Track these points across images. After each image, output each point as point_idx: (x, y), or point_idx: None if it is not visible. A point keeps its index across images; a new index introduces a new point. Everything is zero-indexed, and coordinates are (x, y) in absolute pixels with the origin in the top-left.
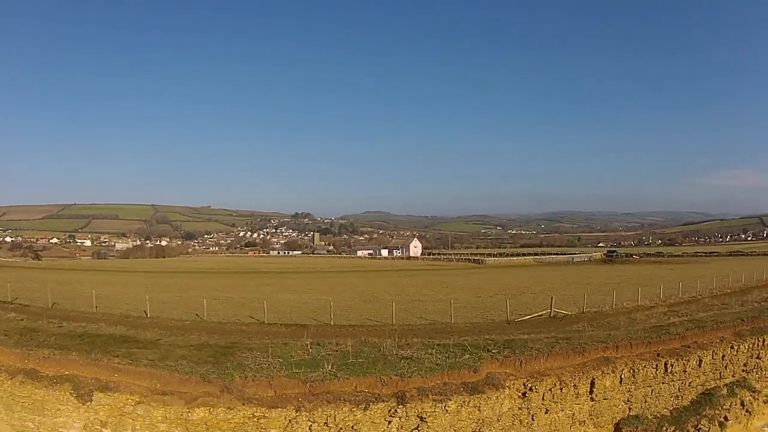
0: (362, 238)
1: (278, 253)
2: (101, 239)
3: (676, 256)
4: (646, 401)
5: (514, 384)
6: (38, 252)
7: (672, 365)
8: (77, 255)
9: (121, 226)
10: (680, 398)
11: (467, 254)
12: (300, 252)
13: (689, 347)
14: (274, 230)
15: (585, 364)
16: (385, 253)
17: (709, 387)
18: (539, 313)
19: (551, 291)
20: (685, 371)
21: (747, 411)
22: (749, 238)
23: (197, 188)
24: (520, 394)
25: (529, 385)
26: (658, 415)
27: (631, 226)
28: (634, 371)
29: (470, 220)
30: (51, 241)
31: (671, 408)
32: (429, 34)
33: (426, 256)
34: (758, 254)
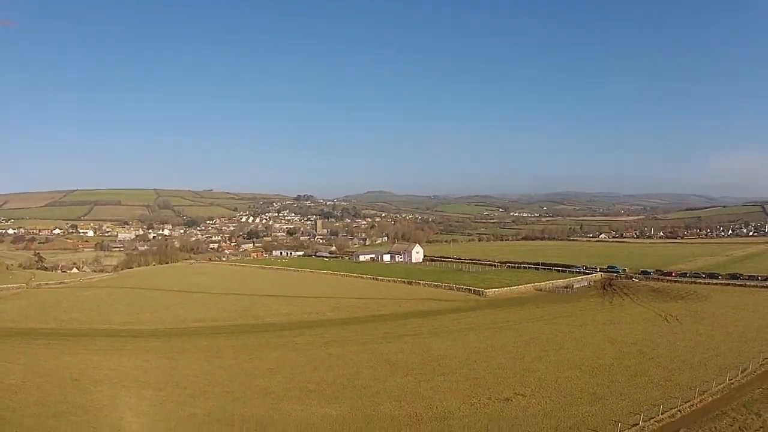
0: (364, 222)
1: (281, 253)
2: (104, 228)
3: (674, 281)
4: None
5: None
6: (40, 251)
7: None
8: (80, 247)
9: (123, 212)
10: None
11: (469, 286)
12: (302, 253)
13: None
14: (276, 214)
15: None
16: (387, 258)
17: None
18: None
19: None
20: None
21: None
22: (751, 233)
23: (199, 171)
24: None
25: None
26: None
27: (633, 209)
28: None
29: (472, 201)
30: (53, 231)
31: None
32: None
33: (428, 263)
34: (758, 284)
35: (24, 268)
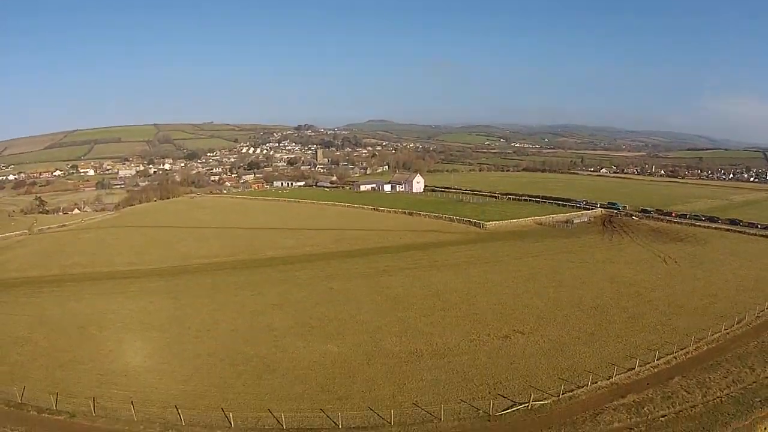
0: (365, 151)
1: (282, 184)
2: (104, 166)
3: (673, 222)
4: None
5: None
6: (41, 195)
7: None
8: (81, 187)
9: (124, 149)
10: None
11: (469, 218)
12: (303, 183)
13: None
14: (277, 145)
15: None
16: (388, 188)
17: None
18: None
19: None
20: None
21: None
22: (752, 179)
23: (199, 104)
24: None
25: None
26: None
27: (634, 145)
28: None
29: (474, 131)
30: (54, 174)
31: None
32: None
33: (429, 193)
34: (757, 233)
35: (25, 213)
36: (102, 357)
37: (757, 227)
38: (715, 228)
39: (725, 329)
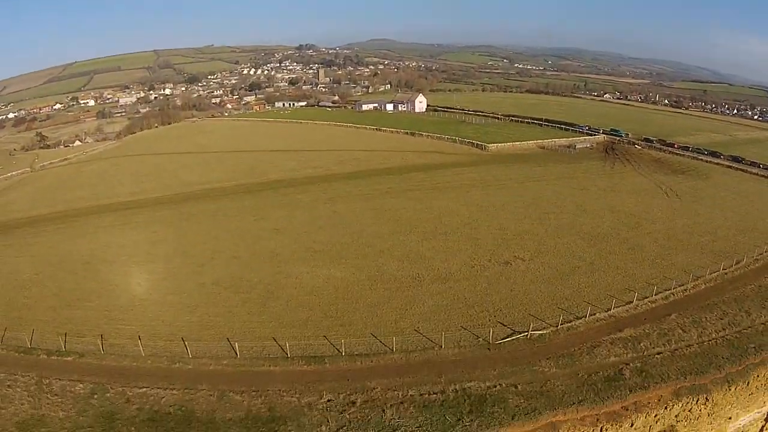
0: (367, 70)
1: (283, 105)
2: (104, 95)
3: (676, 153)
4: None
5: None
6: (42, 130)
7: (607, 429)
8: (81, 118)
9: (124, 77)
10: None
11: (471, 139)
12: (305, 103)
13: (627, 409)
14: (278, 65)
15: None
16: (390, 107)
17: None
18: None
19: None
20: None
21: None
22: (756, 117)
23: (199, 28)
24: None
25: None
26: None
27: (638, 72)
28: None
29: (477, 51)
30: (54, 107)
31: None
32: None
33: (431, 113)
34: (759, 172)
35: (27, 150)
36: (108, 293)
37: (759, 167)
38: (717, 164)
39: (723, 269)
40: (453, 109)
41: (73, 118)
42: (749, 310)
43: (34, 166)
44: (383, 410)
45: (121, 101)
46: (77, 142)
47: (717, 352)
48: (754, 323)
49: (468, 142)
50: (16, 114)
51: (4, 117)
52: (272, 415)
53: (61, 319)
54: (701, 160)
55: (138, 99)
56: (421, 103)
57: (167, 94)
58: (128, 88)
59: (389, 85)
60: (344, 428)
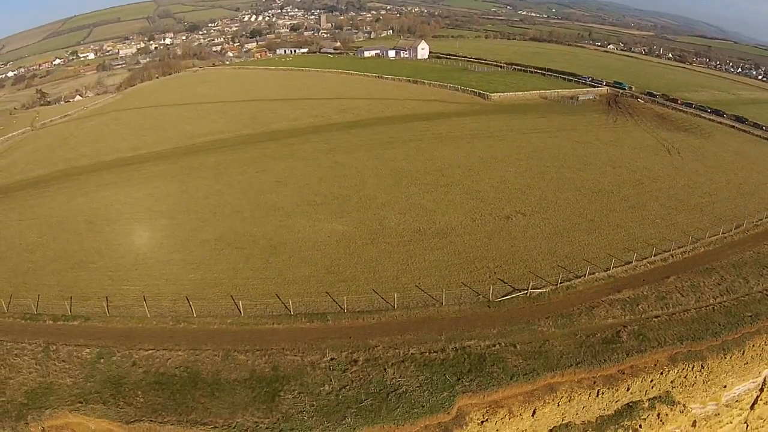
0: (369, 15)
1: (284, 51)
2: (104, 48)
3: (679, 110)
4: (578, 414)
5: None
6: (41, 86)
7: (604, 393)
8: (81, 72)
9: (123, 29)
10: (606, 410)
11: (474, 88)
12: (306, 50)
13: (624, 372)
14: (279, 11)
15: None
16: (392, 54)
17: (633, 400)
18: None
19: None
20: (614, 394)
21: (661, 420)
22: (760, 77)
23: None
24: None
25: None
26: (586, 422)
27: (643, 24)
28: (571, 397)
29: None
30: (54, 63)
31: (596, 417)
32: None
33: (434, 59)
34: (762, 134)
35: (27, 108)
36: (111, 252)
37: (762, 129)
38: (720, 123)
39: (723, 233)
40: (456, 56)
41: (73, 72)
42: (747, 276)
43: (35, 124)
44: (385, 369)
45: (121, 53)
46: (78, 97)
47: (714, 319)
48: (751, 291)
49: (471, 90)
50: (15, 72)
51: (4, 75)
52: (276, 375)
53: (66, 282)
54: (704, 117)
55: (138, 50)
56: (423, 50)
57: (168, 44)
58: (128, 40)
59: (391, 31)
60: (346, 388)
